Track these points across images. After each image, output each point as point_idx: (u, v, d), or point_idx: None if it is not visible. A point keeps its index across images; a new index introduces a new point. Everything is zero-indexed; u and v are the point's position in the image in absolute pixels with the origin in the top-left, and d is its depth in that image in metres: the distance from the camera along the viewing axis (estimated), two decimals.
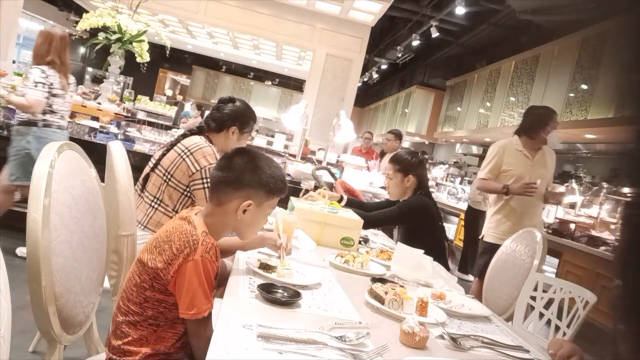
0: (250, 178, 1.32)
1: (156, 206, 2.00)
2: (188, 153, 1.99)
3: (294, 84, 13.67)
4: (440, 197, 7.91)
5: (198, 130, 2.14)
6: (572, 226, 4.79)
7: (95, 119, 4.30)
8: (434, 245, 2.33)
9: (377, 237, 2.61)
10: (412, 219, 2.46)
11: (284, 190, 1.39)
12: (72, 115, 4.32)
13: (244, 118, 2.20)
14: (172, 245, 1.20)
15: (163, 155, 2.04)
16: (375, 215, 2.52)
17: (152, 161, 2.09)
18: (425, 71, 11.56)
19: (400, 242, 2.30)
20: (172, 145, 2.06)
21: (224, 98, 2.22)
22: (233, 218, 1.31)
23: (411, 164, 2.50)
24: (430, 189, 2.73)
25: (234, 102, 2.19)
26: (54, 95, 3.10)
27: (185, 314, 1.18)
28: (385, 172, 2.66)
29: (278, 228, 1.71)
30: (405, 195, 2.54)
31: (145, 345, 1.23)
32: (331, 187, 3.06)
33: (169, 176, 1.99)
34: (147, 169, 2.09)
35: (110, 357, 1.24)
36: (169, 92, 14.16)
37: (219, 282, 1.56)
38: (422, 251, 1.83)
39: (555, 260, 4.59)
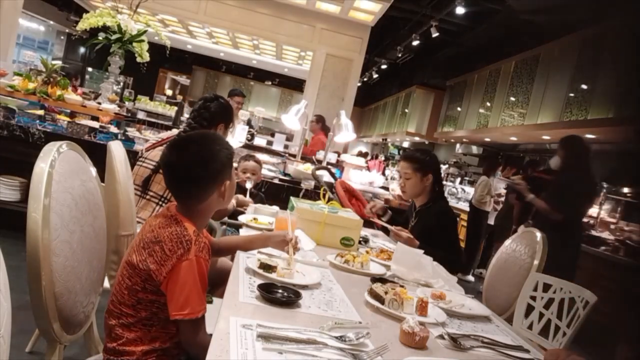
0: (215, 165, 1.30)
1: (163, 204, 2.01)
2: None
3: (294, 84, 13.66)
4: None
5: (191, 130, 2.14)
6: None
7: (95, 119, 4.30)
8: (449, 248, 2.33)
9: (377, 237, 2.61)
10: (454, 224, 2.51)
11: (233, 152, 1.39)
12: (72, 115, 4.32)
13: (228, 115, 2.25)
14: (163, 247, 1.19)
15: None
16: (447, 245, 2.32)
17: (150, 162, 2.09)
18: (425, 71, 11.57)
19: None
20: None
21: (209, 97, 2.26)
22: (216, 202, 1.33)
23: (428, 163, 2.46)
24: None
25: (218, 100, 2.23)
26: None
27: (179, 314, 1.16)
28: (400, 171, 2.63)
29: (280, 227, 1.70)
30: (423, 194, 2.48)
31: (140, 345, 1.23)
32: (331, 187, 3.05)
33: None
34: (144, 170, 2.09)
35: (108, 358, 1.24)
36: (169, 92, 14.16)
37: (219, 281, 1.56)
38: (422, 251, 1.83)
39: None
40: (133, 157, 2.02)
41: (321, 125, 5.94)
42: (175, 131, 2.24)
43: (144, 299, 1.22)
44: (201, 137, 1.39)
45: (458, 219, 7.13)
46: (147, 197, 2.04)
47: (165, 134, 2.27)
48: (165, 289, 1.19)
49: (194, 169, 1.28)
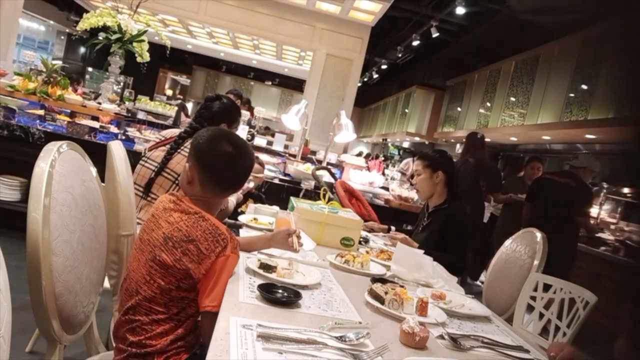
0: (245, 172, 1.43)
1: None
2: None
3: (294, 84, 13.67)
4: None
5: (192, 131, 2.13)
6: None
7: (95, 118, 4.30)
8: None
9: (378, 237, 2.61)
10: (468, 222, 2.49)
11: None
12: (72, 115, 4.32)
13: (231, 114, 2.23)
14: (199, 246, 1.23)
15: (167, 158, 2.04)
16: (454, 246, 2.34)
17: (152, 163, 2.08)
18: (425, 71, 11.58)
19: (422, 244, 2.29)
20: (175, 147, 2.06)
21: (211, 96, 2.24)
22: (221, 204, 1.45)
23: (438, 160, 2.51)
24: None
25: (220, 100, 2.21)
26: None
27: (209, 305, 1.21)
28: (414, 170, 2.69)
29: (280, 227, 1.70)
30: (435, 193, 2.51)
31: (166, 336, 1.26)
32: (331, 187, 3.05)
33: None
34: (146, 171, 2.08)
35: (130, 351, 1.25)
36: (169, 92, 14.17)
37: None
38: (422, 251, 1.83)
39: None
40: (133, 157, 2.02)
41: (241, 101, 6.00)
42: (176, 130, 2.23)
43: (176, 297, 1.25)
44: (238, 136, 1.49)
45: None
46: (148, 198, 2.04)
47: (167, 133, 2.26)
48: (201, 285, 1.24)
49: (245, 162, 1.40)
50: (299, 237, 1.62)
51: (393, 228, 2.69)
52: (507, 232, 5.05)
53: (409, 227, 2.75)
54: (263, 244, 1.63)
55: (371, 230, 2.68)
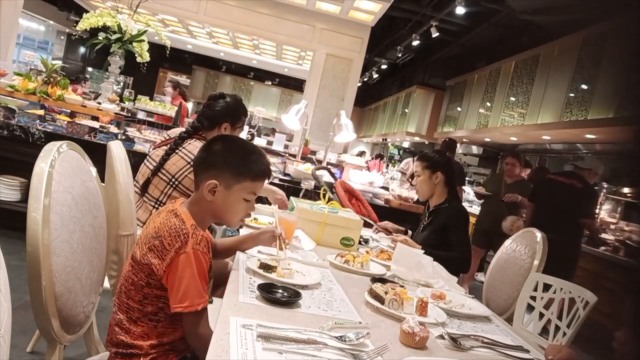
0: (216, 159, 1.32)
1: (159, 207, 2.00)
2: None
3: (294, 84, 13.66)
4: None
5: (193, 130, 2.13)
6: None
7: (95, 118, 4.29)
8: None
9: (378, 237, 2.61)
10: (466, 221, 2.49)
11: (254, 175, 1.34)
12: (72, 115, 4.32)
13: (235, 113, 2.20)
14: (162, 241, 1.21)
15: (165, 159, 2.03)
16: (458, 243, 2.38)
17: (152, 162, 2.08)
18: (425, 71, 11.57)
19: (423, 242, 2.30)
20: (174, 147, 2.05)
21: (214, 95, 2.22)
22: (205, 200, 1.31)
23: (438, 161, 2.53)
24: None
25: (224, 98, 2.19)
26: None
27: (178, 306, 1.17)
28: (414, 171, 2.69)
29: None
30: (435, 193, 2.53)
31: (148, 339, 1.24)
32: (331, 187, 3.05)
33: (176, 182, 1.99)
34: (146, 170, 2.08)
35: (116, 352, 1.25)
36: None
37: (219, 282, 1.56)
38: (422, 251, 1.83)
39: None
40: (133, 157, 2.02)
41: (179, 90, 6.16)
42: (178, 130, 2.22)
43: (149, 294, 1.23)
44: (236, 140, 1.44)
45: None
46: (145, 198, 2.04)
47: (172, 132, 2.26)
48: (166, 283, 1.21)
49: (207, 152, 1.36)
50: (284, 239, 1.59)
51: (410, 232, 2.68)
52: (484, 229, 5.03)
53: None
54: (252, 242, 1.62)
55: (384, 229, 2.68)
